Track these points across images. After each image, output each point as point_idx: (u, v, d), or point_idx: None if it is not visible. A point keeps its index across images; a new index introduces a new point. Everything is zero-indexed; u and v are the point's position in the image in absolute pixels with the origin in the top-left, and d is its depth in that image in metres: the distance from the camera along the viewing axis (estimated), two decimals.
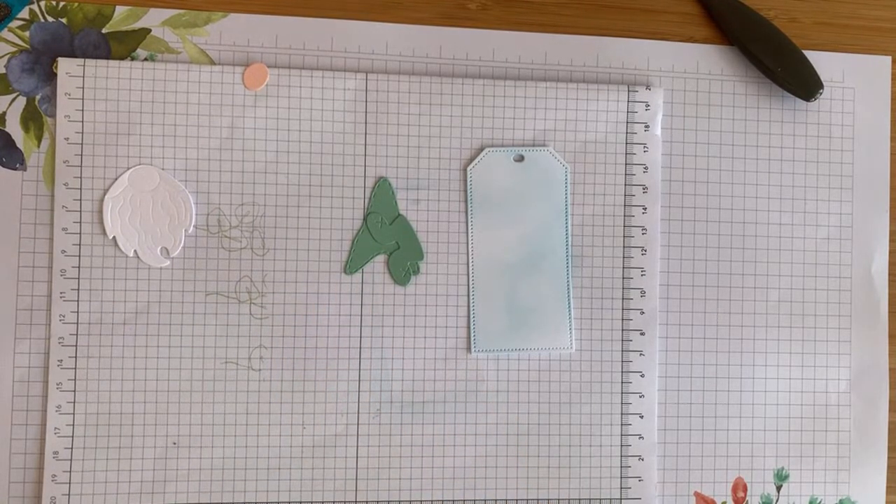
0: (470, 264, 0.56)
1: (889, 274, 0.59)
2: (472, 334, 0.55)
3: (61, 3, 0.54)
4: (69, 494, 0.52)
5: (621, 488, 0.56)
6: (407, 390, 0.55)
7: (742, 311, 0.58)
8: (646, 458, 0.56)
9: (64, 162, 0.53)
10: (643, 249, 0.57)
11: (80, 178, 0.53)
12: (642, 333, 0.57)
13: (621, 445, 0.56)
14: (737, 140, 0.58)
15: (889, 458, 0.58)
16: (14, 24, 0.54)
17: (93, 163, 0.53)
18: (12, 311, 0.53)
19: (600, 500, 0.56)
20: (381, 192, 0.55)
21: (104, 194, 0.53)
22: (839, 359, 0.58)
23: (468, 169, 0.56)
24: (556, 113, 0.56)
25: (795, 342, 0.58)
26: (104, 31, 0.54)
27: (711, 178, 0.58)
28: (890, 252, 0.59)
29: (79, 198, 0.53)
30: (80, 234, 0.53)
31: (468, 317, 0.56)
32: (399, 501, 0.55)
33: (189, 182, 0.54)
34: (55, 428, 0.53)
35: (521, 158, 0.56)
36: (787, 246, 0.58)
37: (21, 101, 0.53)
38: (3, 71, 0.53)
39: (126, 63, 0.54)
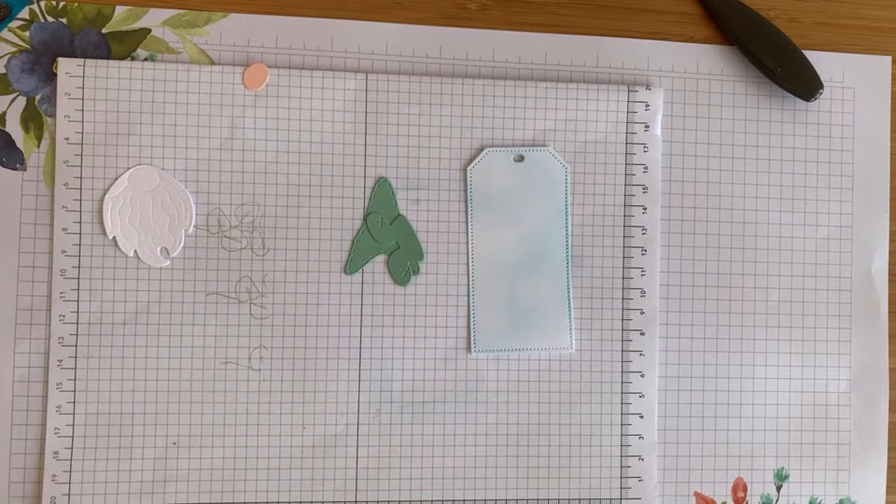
0: (470, 264, 0.56)
1: (889, 274, 0.59)
2: (472, 334, 0.55)
3: (61, 3, 0.54)
4: (69, 494, 0.52)
5: (621, 488, 0.56)
6: (407, 390, 0.55)
7: (742, 311, 0.58)
8: (646, 458, 0.56)
9: (64, 162, 0.53)
10: (643, 249, 0.57)
11: (80, 178, 0.53)
12: (642, 333, 0.57)
13: (621, 445, 0.56)
14: (737, 140, 0.58)
15: (889, 458, 0.58)
16: (14, 24, 0.54)
17: (93, 163, 0.53)
18: (12, 311, 0.53)
19: (600, 500, 0.56)
20: (381, 192, 0.55)
21: (104, 194, 0.53)
22: (839, 359, 0.58)
23: (468, 169, 0.56)
24: (556, 113, 0.56)
25: (795, 342, 0.58)
26: (104, 31, 0.54)
27: (711, 178, 0.58)
28: (890, 252, 0.59)
29: (79, 198, 0.53)
30: (80, 234, 0.53)
31: (468, 317, 0.56)
32: (399, 501, 0.55)
33: (189, 182, 0.54)
34: (55, 428, 0.53)
35: (521, 158, 0.56)
36: (787, 246, 0.58)
37: (21, 101, 0.53)
38: (3, 71, 0.53)
39: (126, 63, 0.54)
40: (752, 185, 0.58)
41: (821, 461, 0.58)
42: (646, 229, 0.57)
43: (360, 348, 0.55)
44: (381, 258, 0.55)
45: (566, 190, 0.56)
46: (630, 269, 0.57)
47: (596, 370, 0.56)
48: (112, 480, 0.53)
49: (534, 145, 0.56)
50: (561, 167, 0.56)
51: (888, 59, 0.60)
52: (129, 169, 0.54)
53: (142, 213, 0.54)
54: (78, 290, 0.53)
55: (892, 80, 0.59)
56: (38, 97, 0.54)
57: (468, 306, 0.56)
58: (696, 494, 0.57)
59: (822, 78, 0.58)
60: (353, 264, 0.55)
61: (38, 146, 0.53)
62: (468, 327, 0.56)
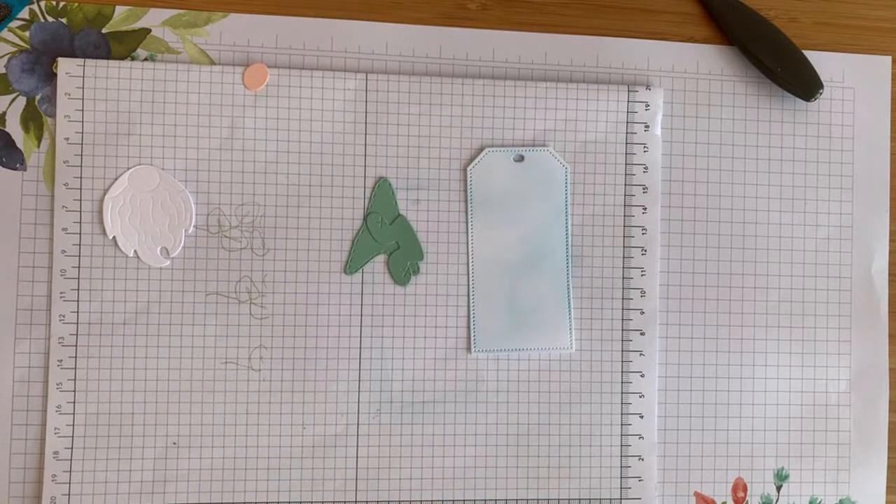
0: (470, 264, 0.56)
1: (889, 274, 0.59)
2: (472, 334, 0.55)
3: (61, 3, 0.54)
4: (69, 494, 0.52)
5: (621, 488, 0.56)
6: (407, 390, 0.55)
7: (742, 311, 0.58)
8: (646, 458, 0.56)
9: (64, 162, 0.53)
10: (643, 249, 0.57)
11: (80, 178, 0.53)
12: (642, 333, 0.57)
13: (621, 445, 0.56)
14: (737, 140, 0.58)
15: (889, 458, 0.58)
16: (14, 24, 0.54)
17: (93, 163, 0.53)
18: (12, 311, 0.53)
19: (600, 500, 0.56)
20: (381, 192, 0.55)
21: (104, 194, 0.53)
22: (839, 359, 0.58)
23: (468, 169, 0.56)
24: (556, 113, 0.56)
25: (795, 342, 0.58)
26: (104, 31, 0.54)
27: (711, 178, 0.58)
28: (890, 252, 0.59)
29: (79, 198, 0.53)
30: (80, 234, 0.53)
31: (468, 317, 0.56)
32: (399, 501, 0.55)
33: (189, 182, 0.54)
34: (55, 428, 0.53)
35: (521, 158, 0.56)
36: (787, 246, 0.58)
37: (21, 101, 0.53)
38: (3, 71, 0.53)
39: (126, 63, 0.54)
40: (752, 185, 0.58)
41: (821, 461, 0.58)
42: (646, 229, 0.57)
43: (360, 348, 0.55)
44: (381, 258, 0.55)
45: (566, 190, 0.56)
46: (630, 269, 0.57)
47: (596, 370, 0.56)
48: (112, 480, 0.53)
49: (534, 145, 0.56)
50: (561, 167, 0.56)
51: (888, 59, 0.60)
52: (129, 169, 0.54)
53: (142, 213, 0.54)
54: (78, 290, 0.53)
55: (892, 80, 0.59)
56: (38, 97, 0.54)
57: (468, 306, 0.56)
58: (696, 494, 0.57)
59: (822, 78, 0.58)
60: (353, 264, 0.55)
61: (38, 146, 0.53)
62: (468, 327, 0.56)
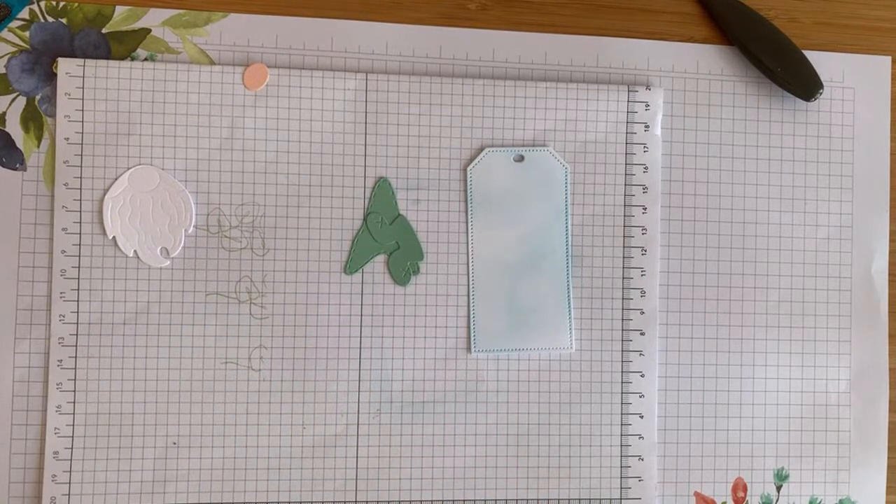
0: (470, 264, 0.56)
1: (889, 274, 0.59)
2: (472, 334, 0.55)
3: (61, 3, 0.54)
4: (69, 494, 0.52)
5: (621, 488, 0.56)
6: (407, 390, 0.55)
7: (742, 311, 0.58)
8: (646, 458, 0.56)
9: (64, 162, 0.53)
10: (643, 249, 0.57)
11: (80, 178, 0.53)
12: (642, 333, 0.57)
13: (621, 445, 0.56)
14: (737, 140, 0.58)
15: (889, 458, 0.58)
16: (14, 24, 0.54)
17: (93, 163, 0.53)
18: (12, 311, 0.53)
19: (600, 500, 0.56)
20: (381, 192, 0.55)
21: (104, 194, 0.53)
22: (839, 359, 0.58)
23: (468, 169, 0.56)
24: (556, 113, 0.56)
25: (795, 342, 0.58)
26: (104, 31, 0.54)
27: (711, 178, 0.58)
28: (890, 252, 0.59)
29: (79, 198, 0.53)
30: (80, 234, 0.53)
31: (468, 317, 0.56)
32: (399, 501, 0.55)
33: (189, 182, 0.54)
34: (55, 428, 0.53)
35: (521, 158, 0.56)
36: (787, 246, 0.58)
37: (21, 101, 0.54)
38: (3, 71, 0.53)
39: (126, 63, 0.54)
40: (752, 185, 0.58)
41: (821, 461, 0.58)
42: (646, 229, 0.57)
43: (360, 348, 0.55)
44: (381, 258, 0.55)
45: (566, 190, 0.56)
46: (630, 269, 0.57)
47: (596, 370, 0.56)
48: (112, 480, 0.53)
49: (534, 145, 0.56)
50: (561, 167, 0.56)
51: (888, 59, 0.60)
52: (129, 169, 0.54)
53: (142, 213, 0.54)
54: (78, 290, 0.53)
55: (892, 80, 0.59)
56: (38, 97, 0.54)
57: (468, 306, 0.56)
58: (696, 494, 0.57)
59: (822, 78, 0.58)
60: (353, 264, 0.55)
61: (38, 146, 0.53)
62: (468, 327, 0.56)
